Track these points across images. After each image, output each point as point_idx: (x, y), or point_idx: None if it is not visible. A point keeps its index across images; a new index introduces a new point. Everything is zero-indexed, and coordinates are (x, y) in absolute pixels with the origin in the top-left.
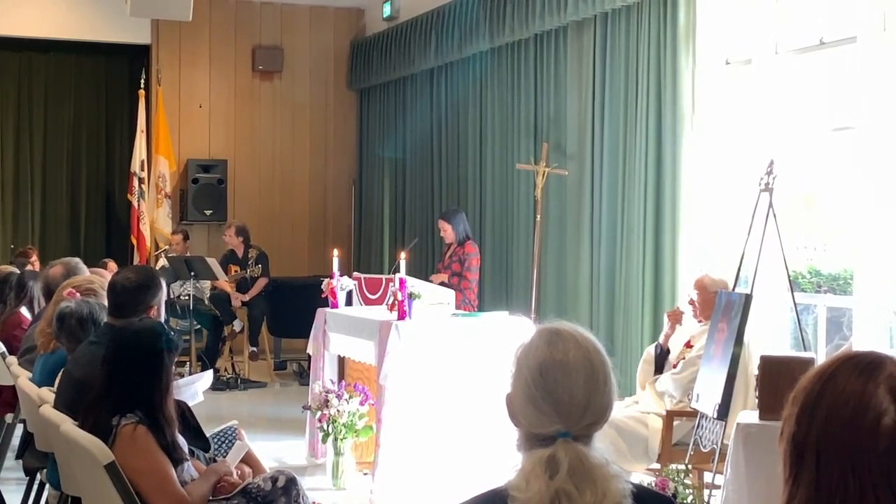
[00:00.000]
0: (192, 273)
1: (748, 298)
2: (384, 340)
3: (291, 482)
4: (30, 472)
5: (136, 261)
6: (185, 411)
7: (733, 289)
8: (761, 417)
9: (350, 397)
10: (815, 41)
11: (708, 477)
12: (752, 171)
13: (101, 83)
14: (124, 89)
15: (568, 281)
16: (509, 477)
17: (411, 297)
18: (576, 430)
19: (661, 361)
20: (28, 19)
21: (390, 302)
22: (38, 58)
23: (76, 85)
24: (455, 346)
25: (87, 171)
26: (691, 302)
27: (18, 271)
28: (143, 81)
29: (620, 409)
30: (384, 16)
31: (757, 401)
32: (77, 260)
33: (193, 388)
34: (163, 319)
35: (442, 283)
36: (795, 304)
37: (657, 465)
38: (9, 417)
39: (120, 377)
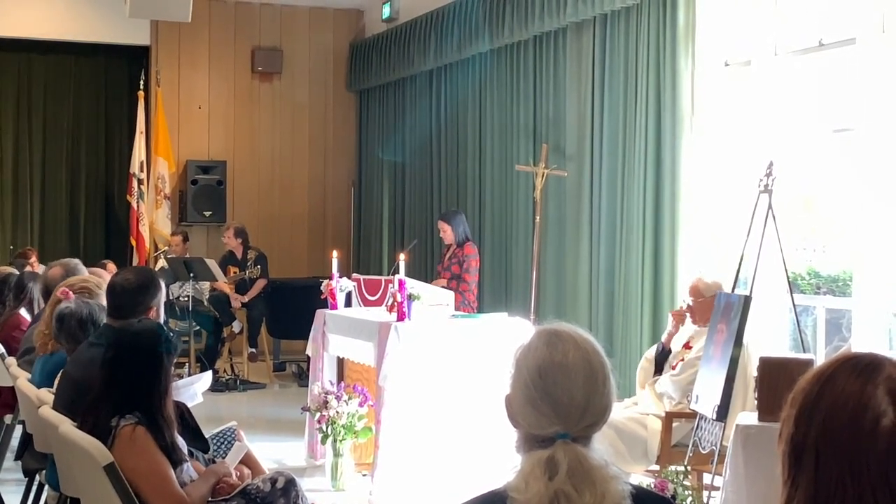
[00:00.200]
0: (192, 274)
1: (747, 300)
2: (383, 342)
3: (290, 483)
4: (29, 473)
5: (135, 262)
6: (184, 412)
7: (732, 290)
8: (760, 419)
9: (349, 398)
10: (814, 43)
11: (707, 478)
12: (752, 172)
13: (101, 84)
14: (124, 90)
15: (567, 282)
16: (508, 478)
17: (410, 298)
18: (575, 431)
19: (661, 361)
20: (27, 20)
21: (389, 303)
22: (38, 59)
23: (75, 86)
24: (454, 347)
25: (87, 172)
26: (688, 308)
27: (18, 272)
28: (142, 82)
29: (619, 411)
30: (383, 17)
31: (756, 402)
32: (76, 261)
33: (192, 389)
34: (162, 321)
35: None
36: (794, 305)
37: (656, 467)
38: (8, 418)
39: (119, 378)
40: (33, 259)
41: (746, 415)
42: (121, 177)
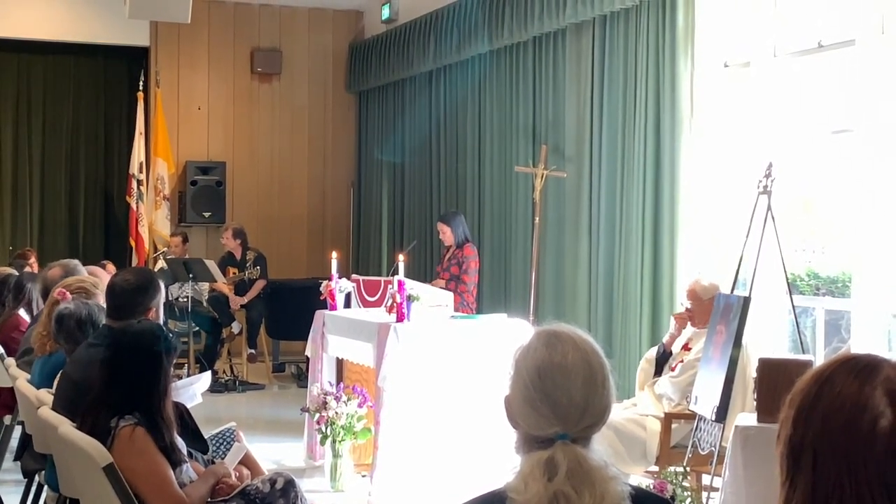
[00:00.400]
0: (191, 275)
1: (747, 301)
2: (383, 342)
3: (290, 484)
4: (28, 474)
5: (134, 263)
6: (183, 413)
7: (732, 291)
8: (759, 420)
9: (348, 399)
10: (813, 44)
11: (706, 479)
12: (751, 173)
13: (100, 85)
14: (123, 91)
15: (566, 283)
16: (508, 479)
17: (410, 299)
18: (574, 432)
19: (662, 363)
20: (27, 21)
21: (389, 304)
22: (37, 60)
23: (75, 87)
24: (454, 348)
25: (86, 173)
26: (687, 311)
27: (17, 273)
28: (141, 83)
29: (619, 412)
30: (383, 18)
31: (755, 403)
32: (76, 262)
33: (192, 389)
34: (161, 321)
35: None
36: (794, 306)
37: (655, 468)
38: (7, 419)
39: (119, 379)
40: (32, 260)
41: (745, 416)
42: (120, 178)
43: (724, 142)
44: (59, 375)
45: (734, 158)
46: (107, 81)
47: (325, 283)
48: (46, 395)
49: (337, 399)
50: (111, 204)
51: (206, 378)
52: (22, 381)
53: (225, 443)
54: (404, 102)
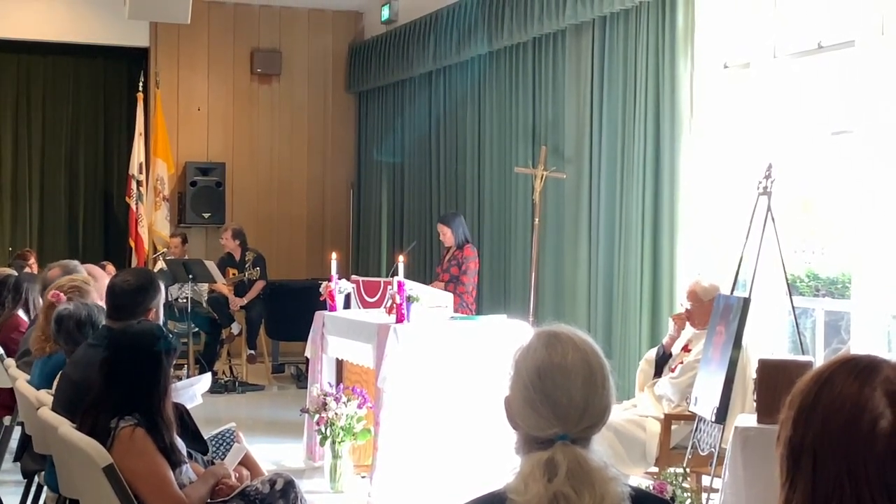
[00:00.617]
0: (191, 276)
1: (746, 302)
2: (382, 343)
3: (289, 485)
4: (28, 475)
5: (134, 263)
6: (183, 414)
7: (731, 292)
8: (759, 421)
9: (348, 400)
10: (813, 45)
11: (706, 480)
12: (751, 174)
13: (100, 86)
14: (123, 92)
15: (566, 284)
16: (508, 480)
17: (409, 300)
18: (574, 432)
19: (661, 364)
20: (26, 22)
21: (388, 305)
22: (37, 60)
23: (74, 88)
24: (453, 349)
25: (86, 174)
26: (686, 312)
27: (16, 273)
28: (141, 84)
29: (618, 413)
30: (382, 19)
31: (755, 404)
32: (75, 262)
33: (192, 390)
34: (161, 322)
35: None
36: (794, 307)
37: (655, 469)
38: (7, 420)
39: (118, 379)
40: (32, 261)
41: (745, 417)
42: (120, 178)
43: (723, 143)
44: (58, 376)
45: (734, 159)
46: (106, 82)
47: (324, 283)
48: (46, 396)
49: (336, 400)
50: (111, 204)
51: (206, 379)
52: (22, 382)
53: (224, 444)
54: (404, 103)
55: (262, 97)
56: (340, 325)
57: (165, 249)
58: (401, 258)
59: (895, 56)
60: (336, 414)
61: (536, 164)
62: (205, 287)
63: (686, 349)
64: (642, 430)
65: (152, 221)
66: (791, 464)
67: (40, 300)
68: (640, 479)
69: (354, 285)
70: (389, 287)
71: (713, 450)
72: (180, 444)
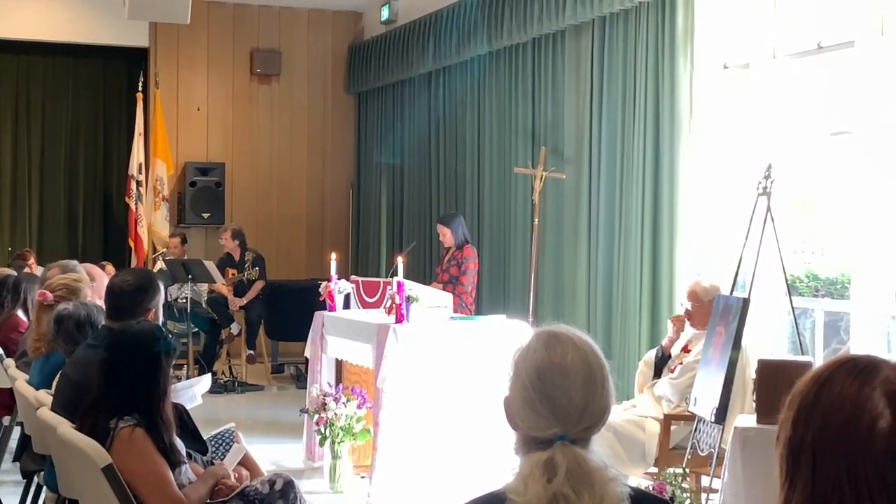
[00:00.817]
0: (190, 276)
1: (746, 302)
2: (382, 344)
3: (289, 485)
4: (27, 475)
5: (133, 264)
6: (182, 414)
7: (731, 292)
8: (759, 421)
9: (347, 400)
10: (813, 45)
11: (705, 481)
12: (750, 175)
13: (99, 86)
14: (122, 92)
15: (565, 284)
16: (507, 480)
17: (409, 300)
18: (574, 433)
19: (661, 365)
20: (26, 22)
21: (388, 305)
22: (36, 61)
23: (74, 88)
24: (453, 349)
25: (85, 174)
26: (686, 312)
27: (16, 274)
28: (141, 84)
29: (618, 413)
30: (382, 19)
31: (754, 405)
32: (74, 262)
33: (192, 391)
34: (161, 322)
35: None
36: (793, 308)
37: (655, 469)
38: (6, 420)
39: (118, 380)
40: (31, 261)
41: (745, 417)
42: (119, 178)
43: (723, 143)
44: (58, 376)
45: (733, 160)
46: (106, 82)
47: (324, 284)
48: (45, 396)
49: (336, 400)
50: (110, 205)
51: (206, 380)
52: (21, 382)
53: (224, 444)
54: (403, 103)
55: (261, 97)
56: (340, 325)
57: (165, 250)
58: (400, 258)
59: (895, 56)
60: (335, 414)
61: (536, 165)
62: (204, 287)
63: (686, 350)
64: (642, 431)
65: (152, 221)
66: (790, 464)
67: None
68: (639, 479)
69: (354, 285)
70: (389, 287)
71: (713, 450)
72: (180, 444)
